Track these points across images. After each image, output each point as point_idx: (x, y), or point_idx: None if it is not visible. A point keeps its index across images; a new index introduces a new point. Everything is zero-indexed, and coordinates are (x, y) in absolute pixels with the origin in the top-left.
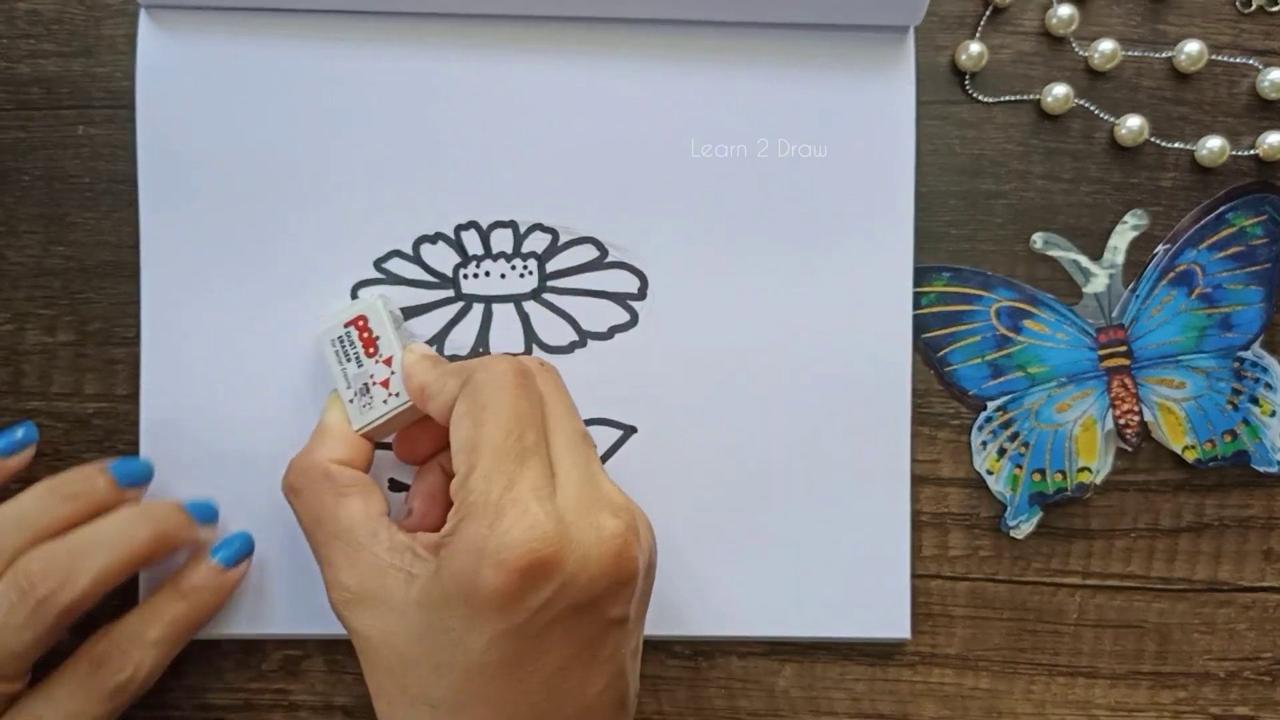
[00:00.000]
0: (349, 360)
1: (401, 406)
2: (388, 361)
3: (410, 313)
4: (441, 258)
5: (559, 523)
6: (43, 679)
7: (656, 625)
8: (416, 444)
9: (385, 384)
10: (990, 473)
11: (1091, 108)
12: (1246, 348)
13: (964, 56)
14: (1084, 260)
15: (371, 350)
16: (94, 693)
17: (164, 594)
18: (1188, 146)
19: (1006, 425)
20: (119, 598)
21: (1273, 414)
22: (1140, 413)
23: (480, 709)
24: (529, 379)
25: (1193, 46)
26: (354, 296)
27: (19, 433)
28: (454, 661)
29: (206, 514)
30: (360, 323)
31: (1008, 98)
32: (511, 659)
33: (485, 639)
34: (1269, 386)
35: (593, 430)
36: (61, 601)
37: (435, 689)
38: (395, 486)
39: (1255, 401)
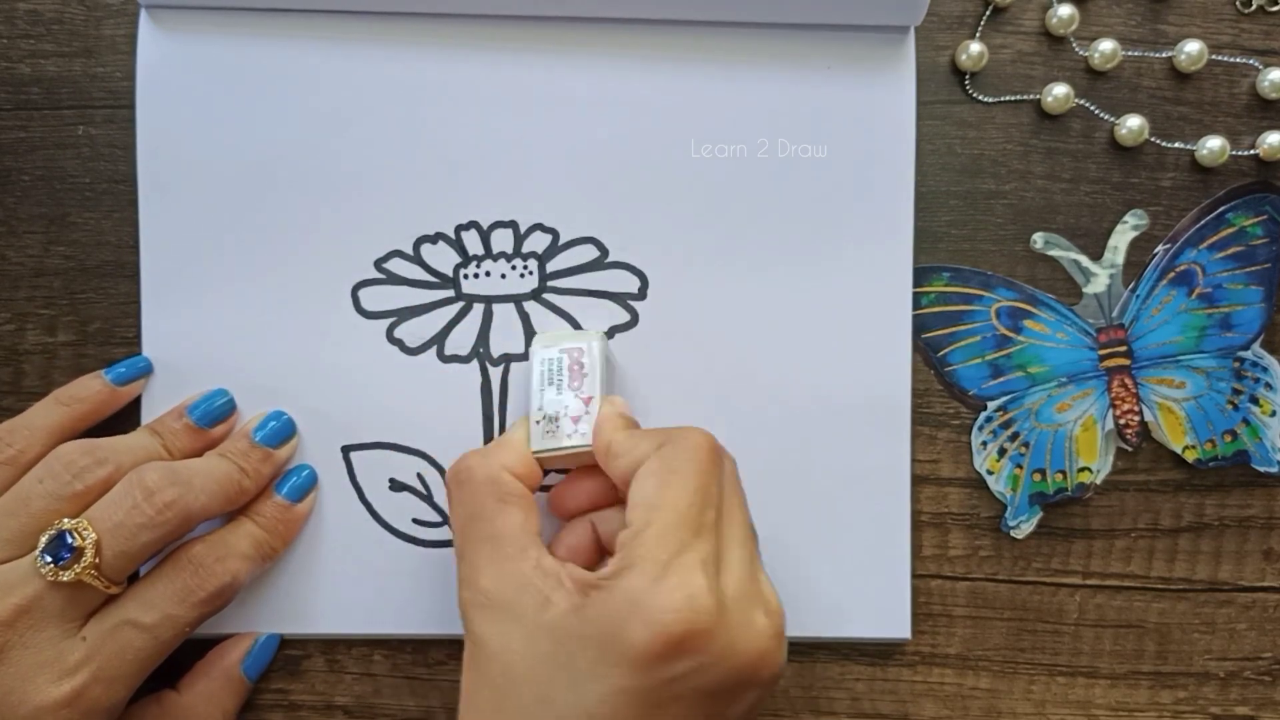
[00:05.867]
0: (550, 385)
1: (582, 447)
2: (586, 400)
3: (410, 313)
4: (442, 258)
5: (719, 603)
6: (135, 583)
7: None
8: (575, 496)
9: (575, 420)
10: (990, 473)
11: (1091, 108)
12: (1246, 348)
13: (964, 56)
14: (1084, 260)
15: (575, 384)
16: (189, 596)
17: (244, 520)
18: (1188, 146)
19: (1006, 425)
20: None
21: (1273, 414)
22: (1140, 413)
23: None
24: (719, 460)
25: (1193, 46)
26: (354, 297)
27: (129, 365)
28: (563, 700)
29: (282, 433)
30: (576, 354)
31: (1008, 98)
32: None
33: (606, 690)
34: (1269, 386)
35: None
36: (186, 506)
37: (533, 719)
38: (395, 486)
39: (1255, 401)
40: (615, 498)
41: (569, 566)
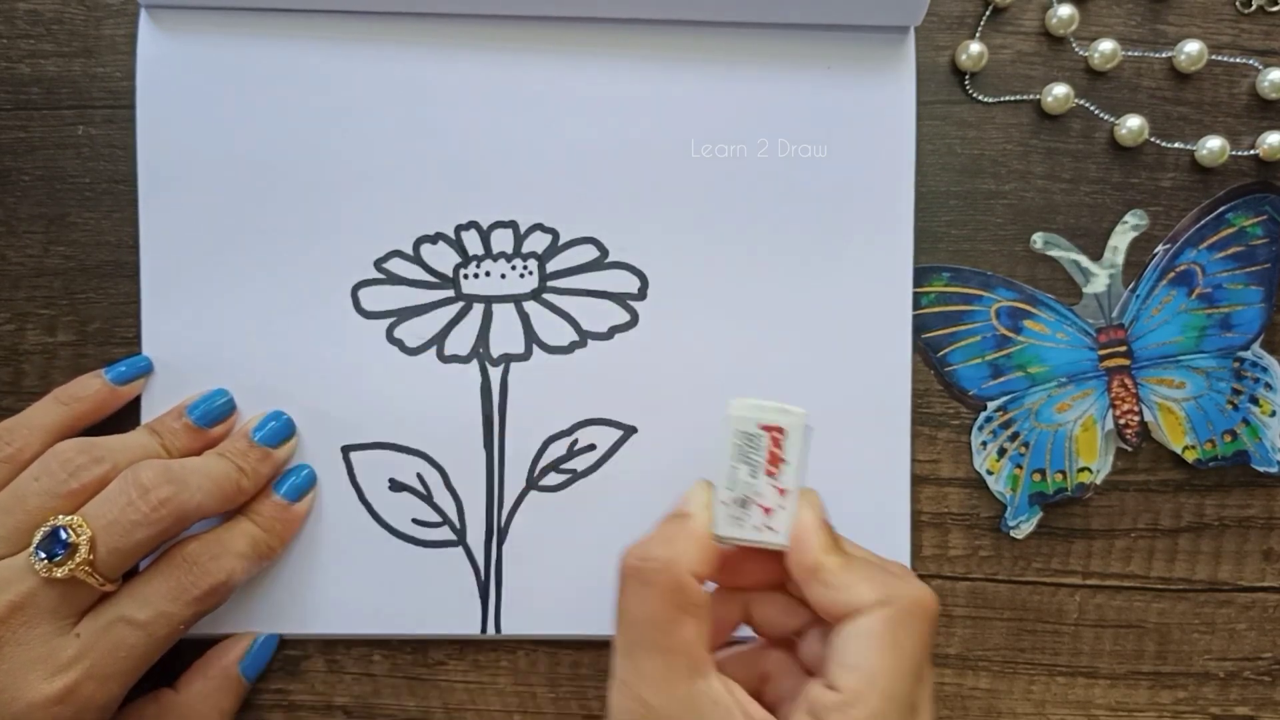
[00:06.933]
0: (745, 464)
1: (773, 545)
2: (782, 491)
3: (410, 313)
4: (442, 258)
5: None
6: (130, 580)
7: None
8: (744, 574)
9: (767, 511)
10: (990, 473)
11: (1091, 108)
12: (1246, 348)
13: (964, 56)
14: (1084, 260)
15: (773, 471)
16: (184, 593)
17: (241, 519)
18: (1188, 146)
19: (1006, 425)
20: None
21: (1273, 414)
22: (1140, 413)
23: None
24: (937, 626)
25: (1193, 46)
26: (354, 297)
27: (129, 365)
28: None
29: (281, 433)
30: (776, 433)
31: (1008, 98)
32: None
33: None
34: (1269, 386)
35: (593, 430)
36: (182, 504)
37: None
38: (395, 486)
39: (1255, 401)
40: (778, 584)
41: (738, 695)
